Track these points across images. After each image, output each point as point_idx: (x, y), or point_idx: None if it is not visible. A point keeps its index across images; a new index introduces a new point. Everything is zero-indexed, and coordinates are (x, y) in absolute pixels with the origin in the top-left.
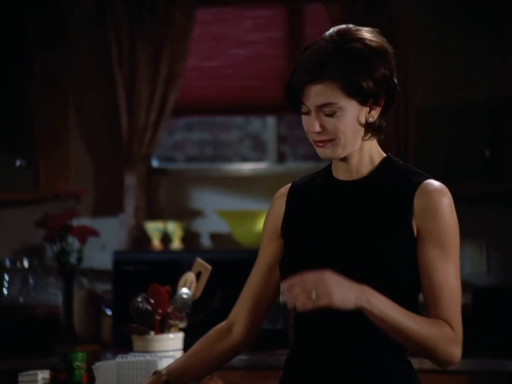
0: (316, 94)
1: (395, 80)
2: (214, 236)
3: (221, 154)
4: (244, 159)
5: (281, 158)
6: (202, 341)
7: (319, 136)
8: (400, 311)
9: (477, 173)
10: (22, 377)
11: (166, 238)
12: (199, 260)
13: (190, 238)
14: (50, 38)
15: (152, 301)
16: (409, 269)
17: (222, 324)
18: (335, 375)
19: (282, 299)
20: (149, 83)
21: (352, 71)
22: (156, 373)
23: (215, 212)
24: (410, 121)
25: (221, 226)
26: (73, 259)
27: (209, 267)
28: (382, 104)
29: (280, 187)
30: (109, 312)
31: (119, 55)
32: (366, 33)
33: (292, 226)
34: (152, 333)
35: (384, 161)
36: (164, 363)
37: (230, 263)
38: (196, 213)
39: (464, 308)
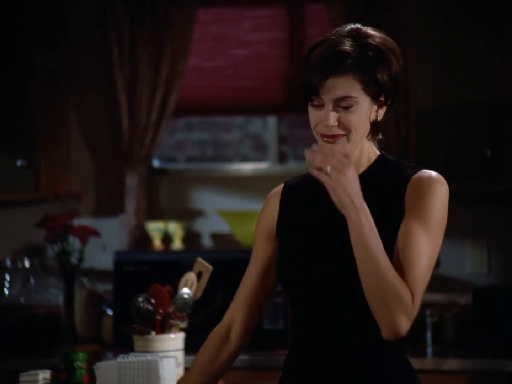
0: (336, 86)
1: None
2: (215, 236)
3: (222, 154)
4: (245, 159)
5: (281, 158)
6: (205, 356)
7: (331, 130)
8: (382, 248)
9: (478, 173)
10: (23, 377)
11: (167, 238)
12: (200, 260)
13: (191, 238)
14: (50, 38)
15: (153, 301)
16: None
17: (219, 329)
18: (335, 375)
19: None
20: (150, 83)
21: (371, 65)
22: None
23: (216, 212)
24: (411, 121)
25: (222, 226)
26: (74, 259)
27: (210, 267)
28: (389, 103)
29: None
30: (110, 312)
31: (119, 55)
32: (376, 32)
33: (287, 227)
34: (153, 333)
35: (378, 159)
36: (165, 363)
37: (231, 263)
38: (197, 213)
39: (465, 308)
